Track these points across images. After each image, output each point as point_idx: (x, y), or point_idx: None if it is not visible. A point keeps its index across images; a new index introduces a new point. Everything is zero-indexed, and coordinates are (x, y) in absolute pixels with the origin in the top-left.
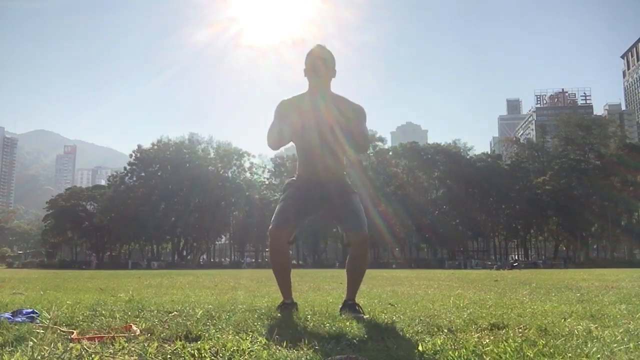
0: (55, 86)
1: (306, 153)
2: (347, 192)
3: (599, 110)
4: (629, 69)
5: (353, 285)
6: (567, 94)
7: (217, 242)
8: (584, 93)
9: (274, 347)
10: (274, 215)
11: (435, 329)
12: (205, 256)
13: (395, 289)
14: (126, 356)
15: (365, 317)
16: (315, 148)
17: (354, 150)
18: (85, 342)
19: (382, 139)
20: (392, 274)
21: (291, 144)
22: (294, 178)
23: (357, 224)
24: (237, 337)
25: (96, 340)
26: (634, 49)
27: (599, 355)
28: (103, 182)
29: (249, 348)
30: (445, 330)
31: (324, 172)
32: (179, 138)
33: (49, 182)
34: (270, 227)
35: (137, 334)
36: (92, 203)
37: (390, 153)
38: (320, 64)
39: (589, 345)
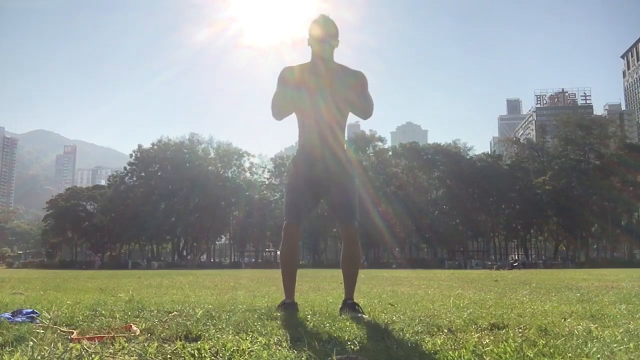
0: (55, 86)
1: (305, 130)
2: (344, 182)
3: (599, 110)
4: (629, 69)
5: (349, 282)
6: (567, 94)
7: (217, 242)
8: (584, 93)
9: (274, 347)
10: (285, 207)
11: (435, 329)
12: (205, 256)
13: (395, 289)
14: (126, 356)
15: (365, 317)
16: (314, 125)
17: (360, 116)
18: (85, 342)
19: (382, 139)
20: (392, 274)
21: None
22: (295, 155)
23: (347, 217)
24: (237, 337)
25: (96, 340)
26: (634, 49)
27: (599, 355)
28: (103, 182)
29: (249, 348)
30: (445, 330)
31: (321, 150)
32: (179, 138)
33: (49, 182)
34: (285, 223)
35: (137, 334)
36: (92, 203)
37: (390, 153)
38: (321, 41)
39: (589, 345)
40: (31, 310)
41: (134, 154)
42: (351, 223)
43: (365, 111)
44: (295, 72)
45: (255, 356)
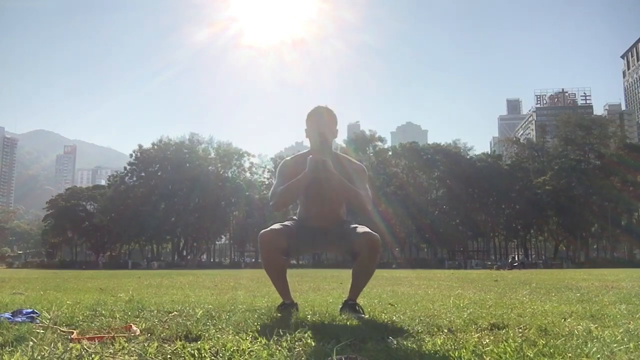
0: (55, 86)
1: (308, 208)
2: (345, 222)
3: (599, 110)
4: (629, 69)
5: (357, 287)
6: (567, 94)
7: (217, 242)
8: (584, 93)
9: (274, 347)
10: (272, 223)
11: (435, 329)
12: (205, 256)
13: (395, 289)
14: (126, 356)
15: (365, 317)
16: (318, 207)
17: (357, 206)
18: (85, 342)
19: (382, 139)
20: (392, 274)
21: None
22: (294, 218)
23: (367, 231)
24: (237, 337)
25: (96, 340)
26: (634, 49)
27: (599, 355)
28: (103, 182)
29: (249, 348)
30: (445, 330)
31: (324, 222)
32: (179, 138)
33: (49, 182)
34: (264, 230)
35: (137, 334)
36: (92, 203)
37: (390, 153)
38: (326, 131)
39: (589, 345)
40: (31, 310)
41: (134, 154)
42: (375, 234)
43: (364, 207)
44: (295, 158)
45: (255, 356)
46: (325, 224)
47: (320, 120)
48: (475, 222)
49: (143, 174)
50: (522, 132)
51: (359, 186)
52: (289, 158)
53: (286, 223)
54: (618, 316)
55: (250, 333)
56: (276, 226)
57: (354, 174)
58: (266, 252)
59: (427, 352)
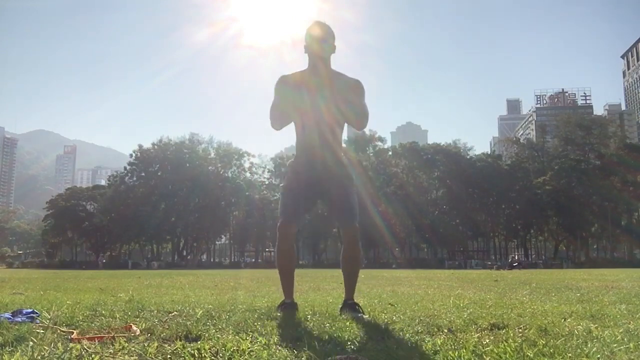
0: (55, 86)
1: (305, 131)
2: (345, 183)
3: (599, 110)
4: (629, 69)
5: (349, 283)
6: (567, 94)
7: (217, 242)
8: (584, 93)
9: (274, 347)
10: (280, 208)
11: (435, 329)
12: (205, 256)
13: (395, 289)
14: (126, 356)
15: (365, 317)
16: (314, 125)
17: (354, 126)
18: (85, 342)
19: (382, 139)
20: (392, 274)
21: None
22: (292, 160)
23: (348, 218)
24: (237, 337)
25: (96, 340)
26: (634, 49)
27: (599, 355)
28: (103, 182)
29: (249, 348)
30: (445, 330)
31: (322, 151)
32: (179, 138)
33: (49, 182)
34: (280, 223)
35: (137, 334)
36: (92, 203)
37: (390, 153)
38: (321, 40)
39: (589, 345)
40: (31, 310)
41: (134, 154)
42: (352, 224)
43: (362, 118)
44: (293, 76)
45: (255, 356)
46: (321, 158)
47: (322, 29)
48: (475, 222)
49: (143, 174)
50: (522, 132)
51: (359, 100)
52: (289, 74)
53: (289, 187)
54: (618, 316)
55: (250, 333)
56: (288, 211)
57: (351, 91)
58: (280, 244)
59: (427, 352)
